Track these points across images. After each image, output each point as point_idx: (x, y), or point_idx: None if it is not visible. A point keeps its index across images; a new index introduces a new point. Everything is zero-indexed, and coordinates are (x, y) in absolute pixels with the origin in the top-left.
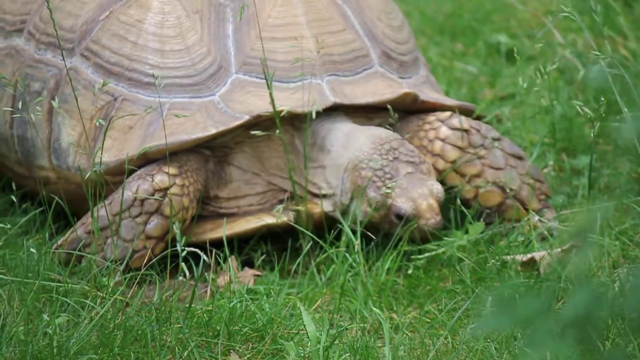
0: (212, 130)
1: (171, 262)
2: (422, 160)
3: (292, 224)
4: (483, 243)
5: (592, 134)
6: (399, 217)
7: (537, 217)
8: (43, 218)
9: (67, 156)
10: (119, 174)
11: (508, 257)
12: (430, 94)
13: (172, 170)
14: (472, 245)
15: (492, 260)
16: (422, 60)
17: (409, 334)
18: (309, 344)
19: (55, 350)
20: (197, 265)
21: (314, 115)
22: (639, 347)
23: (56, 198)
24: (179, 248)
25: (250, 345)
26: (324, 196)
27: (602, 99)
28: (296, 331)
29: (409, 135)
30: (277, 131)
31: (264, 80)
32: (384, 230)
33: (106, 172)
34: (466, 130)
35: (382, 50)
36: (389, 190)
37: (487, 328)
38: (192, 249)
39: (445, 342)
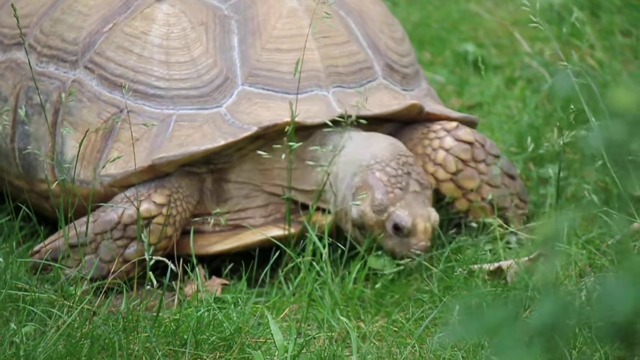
0: (221, 142)
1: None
2: (427, 186)
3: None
4: (450, 252)
5: (559, 143)
6: (396, 227)
7: (514, 238)
8: (11, 227)
9: (71, 169)
10: (125, 186)
11: (475, 266)
12: (434, 106)
13: (160, 199)
14: (439, 254)
15: (460, 269)
16: (422, 73)
17: (377, 343)
18: (276, 353)
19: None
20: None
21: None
22: (606, 356)
23: (23, 207)
24: (147, 256)
25: (218, 354)
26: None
27: (572, 107)
28: (264, 340)
29: (413, 143)
30: (290, 142)
31: (271, 92)
32: (367, 237)
33: (112, 184)
34: (471, 143)
35: (385, 63)
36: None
37: (455, 337)
38: (160, 258)
39: (413, 351)
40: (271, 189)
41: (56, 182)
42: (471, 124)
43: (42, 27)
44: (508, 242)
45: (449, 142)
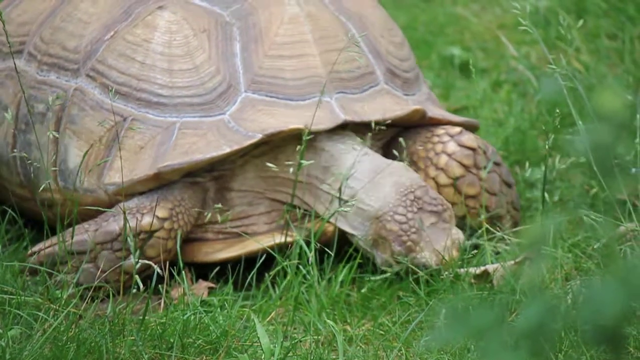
0: (227, 149)
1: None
2: (444, 208)
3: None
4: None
5: (545, 147)
6: (423, 267)
7: (503, 245)
8: None
9: (75, 177)
10: (129, 194)
11: (461, 269)
12: (436, 111)
13: (163, 212)
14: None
15: (446, 273)
16: (422, 77)
17: (363, 346)
18: (262, 357)
19: None
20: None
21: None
22: (592, 359)
23: (9, 210)
24: (133, 260)
25: (204, 357)
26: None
27: (557, 111)
28: (250, 343)
29: (416, 146)
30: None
31: (274, 99)
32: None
33: (117, 192)
34: (474, 149)
35: (386, 68)
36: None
37: (441, 340)
38: (147, 261)
39: (399, 354)
40: (274, 196)
41: (42, 187)
42: (473, 128)
43: (42, 35)
44: (495, 247)
45: (452, 147)
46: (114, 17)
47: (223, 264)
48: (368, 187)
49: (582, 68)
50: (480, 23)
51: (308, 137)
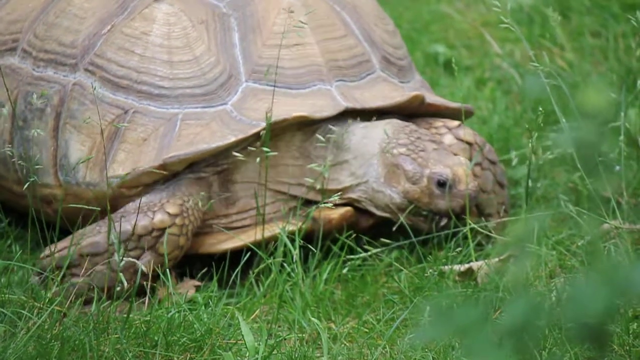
0: (232, 139)
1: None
2: (441, 140)
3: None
4: (421, 252)
5: (529, 144)
6: (440, 183)
7: (490, 245)
8: None
9: (77, 172)
10: (134, 187)
11: (446, 267)
12: (432, 97)
13: (174, 209)
14: (410, 255)
15: (430, 270)
16: (414, 66)
17: (347, 344)
18: (247, 354)
19: None
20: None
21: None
22: (576, 357)
23: None
24: (117, 258)
25: (189, 355)
26: (346, 189)
27: (541, 109)
28: (234, 341)
29: None
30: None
31: (274, 87)
32: (422, 210)
33: (121, 185)
34: (470, 144)
35: (381, 55)
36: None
37: (425, 338)
38: (132, 259)
39: (384, 352)
40: (276, 187)
41: (27, 184)
42: (468, 113)
43: (36, 32)
44: (480, 244)
45: (448, 139)
46: (110, 11)
47: (211, 259)
48: (364, 134)
49: (566, 66)
50: (465, 21)
51: (275, 124)
